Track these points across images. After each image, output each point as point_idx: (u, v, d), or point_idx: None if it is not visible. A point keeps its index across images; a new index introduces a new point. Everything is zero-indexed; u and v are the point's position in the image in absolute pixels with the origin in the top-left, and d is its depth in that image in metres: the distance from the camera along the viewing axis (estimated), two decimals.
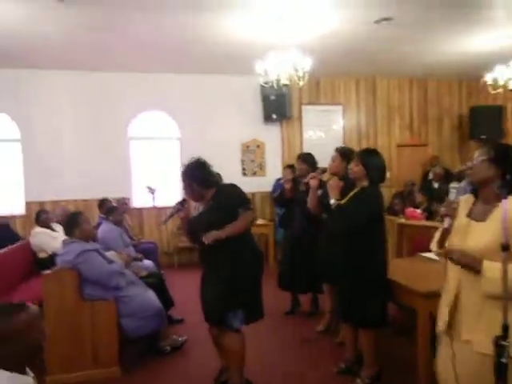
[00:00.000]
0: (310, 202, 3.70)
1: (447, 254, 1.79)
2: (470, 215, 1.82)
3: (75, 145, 6.91)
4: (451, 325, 1.80)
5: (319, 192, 3.65)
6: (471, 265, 1.69)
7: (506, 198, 1.54)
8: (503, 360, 1.39)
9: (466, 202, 1.89)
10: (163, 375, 3.22)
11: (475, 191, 1.86)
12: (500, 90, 6.04)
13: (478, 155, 1.81)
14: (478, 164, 1.78)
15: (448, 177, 7.34)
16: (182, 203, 2.85)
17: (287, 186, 4.18)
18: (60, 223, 5.27)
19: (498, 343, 1.42)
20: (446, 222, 1.83)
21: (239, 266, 2.67)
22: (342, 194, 2.92)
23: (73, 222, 3.26)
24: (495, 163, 1.74)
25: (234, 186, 2.82)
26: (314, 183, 3.64)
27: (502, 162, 1.73)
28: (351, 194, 2.89)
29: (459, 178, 5.29)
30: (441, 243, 1.89)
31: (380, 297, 2.81)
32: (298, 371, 3.21)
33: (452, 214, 1.82)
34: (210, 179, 2.79)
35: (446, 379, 1.86)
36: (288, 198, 4.20)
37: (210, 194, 2.77)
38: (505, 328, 1.42)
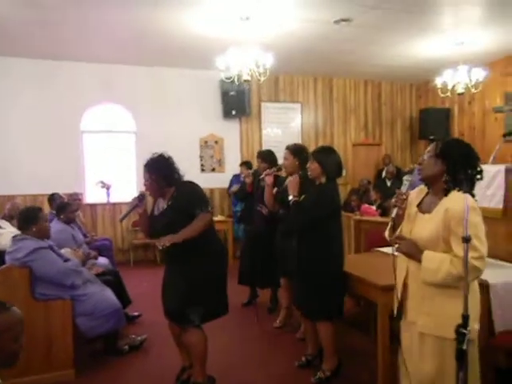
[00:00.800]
0: (266, 198, 3.76)
1: (395, 242, 1.91)
2: (419, 206, 1.94)
3: (24, 137, 6.53)
4: (401, 309, 1.94)
5: (275, 189, 3.71)
6: (414, 254, 1.83)
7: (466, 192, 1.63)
8: (463, 347, 1.46)
9: (419, 192, 2.00)
10: (122, 376, 3.12)
11: (426, 184, 1.97)
12: (448, 94, 6.37)
13: (426, 152, 1.93)
14: (427, 160, 1.88)
15: (400, 175, 7.67)
16: (140, 198, 2.76)
17: (248, 180, 4.23)
18: (6, 219, 4.96)
19: (458, 331, 1.49)
20: (394, 212, 1.94)
21: (201, 262, 2.65)
22: (300, 191, 2.98)
23: (31, 217, 3.07)
24: (441, 158, 1.83)
25: (194, 186, 2.76)
26: (268, 180, 3.70)
27: (447, 157, 1.82)
28: (311, 191, 2.95)
29: (411, 172, 5.55)
30: (391, 231, 2.00)
31: (337, 289, 2.88)
32: (260, 366, 3.22)
33: (400, 205, 1.91)
34: (175, 176, 2.72)
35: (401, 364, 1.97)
36: (248, 192, 4.25)
37: (172, 191, 2.71)
38: (465, 317, 1.50)
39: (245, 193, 4.34)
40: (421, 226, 1.85)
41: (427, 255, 1.77)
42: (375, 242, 3.94)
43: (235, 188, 4.52)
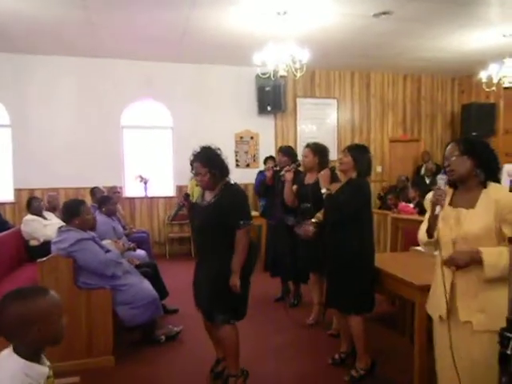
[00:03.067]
0: (285, 193, 3.79)
1: (446, 264, 1.84)
2: (453, 204, 1.91)
3: (67, 132, 6.80)
4: (449, 312, 1.87)
5: (295, 186, 3.73)
6: (472, 259, 1.76)
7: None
8: (508, 352, 1.41)
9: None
10: (158, 365, 3.21)
11: (451, 183, 1.94)
12: (494, 88, 6.10)
13: (449, 154, 1.90)
14: (455, 161, 1.87)
15: (439, 172, 7.43)
16: (185, 197, 2.83)
17: (268, 173, 4.32)
18: (50, 211, 5.20)
19: (502, 334, 1.44)
20: (437, 210, 1.88)
21: (230, 261, 2.61)
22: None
23: (74, 210, 3.20)
24: (467, 155, 1.85)
25: (240, 192, 2.74)
26: (288, 176, 3.74)
27: (472, 153, 1.85)
28: (341, 185, 2.99)
29: None
30: (429, 232, 1.95)
31: (368, 283, 2.88)
32: (292, 361, 3.23)
33: (441, 202, 1.86)
34: (227, 169, 2.70)
35: (444, 366, 1.90)
36: (268, 185, 4.32)
37: (219, 187, 2.66)
38: (509, 321, 1.44)
39: (265, 186, 4.40)
40: (469, 221, 1.82)
41: (486, 251, 1.74)
42: (413, 240, 3.85)
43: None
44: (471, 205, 1.84)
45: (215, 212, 2.62)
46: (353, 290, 2.84)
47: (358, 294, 2.85)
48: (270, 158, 6.15)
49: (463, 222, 1.83)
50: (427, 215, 1.97)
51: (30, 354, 1.37)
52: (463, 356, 1.80)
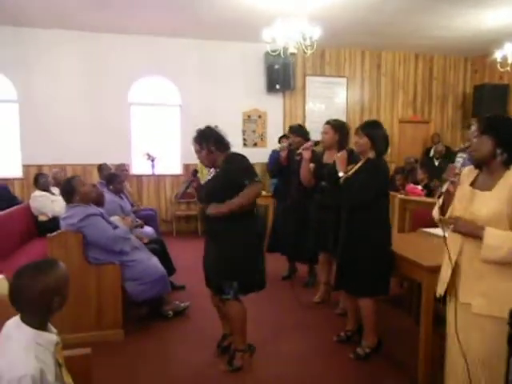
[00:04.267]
0: (302, 173, 3.72)
1: (449, 223, 1.83)
2: (473, 185, 1.86)
3: (74, 108, 6.76)
4: (449, 289, 1.88)
5: (311, 165, 3.67)
6: (473, 232, 1.75)
7: None
8: None
9: (470, 172, 1.92)
10: (166, 339, 3.28)
11: (476, 164, 1.88)
12: (508, 68, 5.96)
13: (471, 134, 1.84)
14: (476, 141, 1.79)
15: (449, 154, 7.35)
16: (193, 173, 2.87)
17: (283, 153, 4.19)
18: (56, 186, 5.22)
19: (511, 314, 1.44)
20: (444, 186, 1.86)
21: (239, 236, 2.67)
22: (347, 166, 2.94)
23: (69, 189, 3.21)
24: (487, 134, 1.74)
25: (242, 157, 2.76)
26: (306, 155, 3.65)
27: (492, 132, 1.74)
28: (358, 165, 2.89)
29: (465, 150, 5.31)
30: (442, 209, 1.92)
31: (385, 267, 2.83)
32: (299, 339, 3.28)
33: (453, 179, 1.83)
34: (225, 143, 2.77)
35: (449, 346, 1.92)
36: (283, 166, 4.22)
37: (221, 159, 2.74)
38: None
39: (280, 166, 4.29)
40: (480, 204, 1.77)
41: (489, 231, 1.69)
42: (421, 222, 3.84)
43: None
44: (489, 187, 1.79)
45: (219, 181, 2.69)
46: (368, 273, 2.79)
47: (373, 278, 2.80)
48: (285, 136, 6.02)
49: (475, 204, 1.79)
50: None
51: (39, 324, 1.40)
52: (462, 337, 1.80)
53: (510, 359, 1.45)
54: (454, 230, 1.81)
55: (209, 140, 2.72)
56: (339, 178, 2.88)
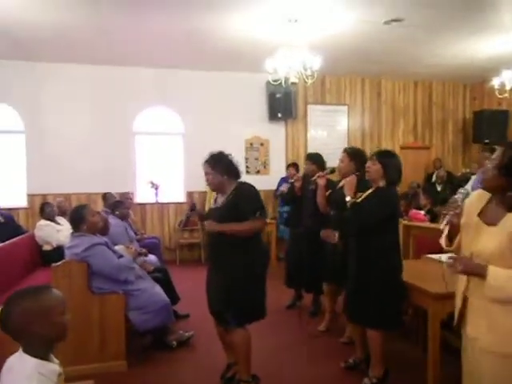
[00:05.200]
0: (319, 200, 3.76)
1: (453, 260, 1.79)
2: (481, 215, 1.80)
3: (79, 138, 6.88)
4: (461, 323, 1.84)
5: (328, 191, 3.69)
6: (476, 272, 1.70)
7: None
8: None
9: (478, 198, 1.84)
10: (170, 370, 3.22)
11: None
12: (506, 95, 6.06)
13: (491, 159, 1.75)
14: (491, 171, 1.72)
15: (451, 180, 7.38)
16: (191, 208, 2.88)
17: (297, 184, 4.19)
18: (62, 216, 5.26)
19: None
20: (445, 220, 1.86)
21: (242, 264, 2.65)
22: (355, 192, 2.93)
23: (78, 218, 3.24)
24: (506, 173, 1.67)
25: (253, 190, 2.75)
26: (321, 182, 3.69)
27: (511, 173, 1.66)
28: (367, 192, 2.88)
29: (466, 180, 5.32)
30: (447, 240, 1.91)
31: (396, 299, 2.79)
32: (305, 368, 3.22)
33: (453, 213, 1.84)
34: (236, 171, 2.76)
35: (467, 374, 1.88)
36: (296, 195, 4.22)
37: (231, 187, 2.73)
38: None
39: (293, 196, 4.30)
40: (486, 239, 1.72)
41: (492, 271, 1.64)
42: (425, 248, 3.83)
43: (285, 187, 4.46)
44: (494, 222, 1.72)
45: (227, 211, 2.66)
46: (377, 303, 2.73)
47: (383, 309, 2.73)
48: (293, 164, 6.01)
49: (481, 239, 1.74)
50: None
51: (40, 353, 1.40)
52: (474, 370, 1.77)
53: None
54: (455, 272, 1.76)
55: (221, 165, 2.71)
56: (346, 202, 2.88)
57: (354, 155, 3.45)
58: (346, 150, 3.54)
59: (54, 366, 1.44)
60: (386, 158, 2.83)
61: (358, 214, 2.78)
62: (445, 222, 1.86)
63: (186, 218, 3.00)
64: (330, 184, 3.76)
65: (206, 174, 2.76)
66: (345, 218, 2.94)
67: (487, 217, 1.77)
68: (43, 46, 5.91)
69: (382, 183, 2.80)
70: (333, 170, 3.78)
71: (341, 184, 3.54)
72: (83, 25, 5.13)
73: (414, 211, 5.75)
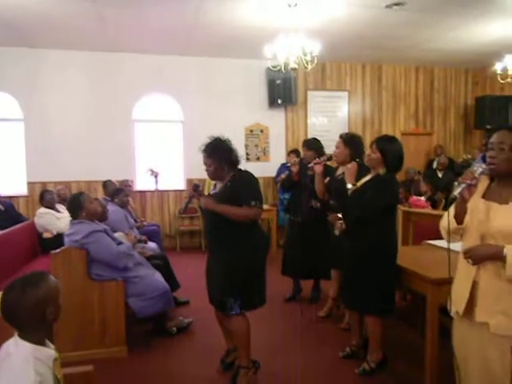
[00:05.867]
0: (317, 187, 3.73)
1: (464, 256, 1.76)
2: (485, 197, 1.78)
3: (79, 126, 6.85)
4: (468, 307, 1.80)
5: (326, 179, 3.66)
6: (493, 256, 1.66)
7: None
8: None
9: (479, 183, 1.81)
10: (169, 355, 3.25)
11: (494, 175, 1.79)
12: (509, 80, 5.99)
13: (497, 142, 1.71)
14: (499, 155, 1.69)
15: (452, 166, 7.35)
16: (195, 188, 2.82)
17: (294, 168, 4.15)
18: (62, 203, 5.26)
19: None
20: (458, 189, 1.73)
21: (242, 252, 2.65)
22: (356, 179, 2.91)
23: (76, 205, 3.23)
24: None
25: (251, 178, 2.71)
26: (318, 169, 3.65)
27: None
28: (366, 179, 2.86)
29: (467, 167, 5.30)
30: (457, 218, 1.81)
31: (390, 285, 2.81)
32: (304, 355, 3.23)
33: (470, 182, 1.72)
34: (234, 158, 2.71)
35: (463, 365, 1.87)
36: (295, 181, 4.19)
37: (230, 175, 2.69)
38: None
39: (291, 182, 4.25)
40: (501, 217, 1.69)
41: (510, 250, 1.61)
42: (425, 234, 3.82)
43: (285, 174, 4.41)
44: (505, 200, 1.71)
45: (224, 198, 2.63)
46: (374, 291, 2.75)
47: (379, 296, 2.76)
48: (294, 151, 5.96)
49: (493, 218, 1.71)
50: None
51: (36, 339, 1.41)
52: (477, 357, 1.75)
53: None
54: (474, 263, 1.72)
55: (218, 153, 2.64)
56: (347, 189, 2.86)
57: (350, 141, 3.42)
58: (341, 136, 3.49)
59: (49, 351, 1.45)
60: (386, 144, 2.78)
61: (359, 201, 2.75)
62: (456, 192, 1.73)
63: (187, 200, 2.95)
64: (329, 170, 3.73)
65: (204, 163, 2.71)
66: (346, 206, 2.93)
67: (495, 197, 1.75)
68: (41, 32, 5.84)
69: (381, 171, 2.77)
70: (330, 157, 3.73)
71: (339, 172, 3.53)
72: (81, 11, 5.06)
73: (414, 198, 5.73)
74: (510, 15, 5.34)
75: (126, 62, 6.94)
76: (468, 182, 1.72)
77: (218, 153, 2.66)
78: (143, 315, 3.29)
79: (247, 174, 2.73)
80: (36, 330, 1.42)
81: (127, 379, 2.92)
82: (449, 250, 1.80)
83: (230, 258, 2.64)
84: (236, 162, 2.72)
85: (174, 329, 3.56)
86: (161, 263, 3.97)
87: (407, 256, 3.08)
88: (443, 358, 2.43)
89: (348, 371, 2.94)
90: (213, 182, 2.98)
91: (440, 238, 2.22)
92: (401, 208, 5.45)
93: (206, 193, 3.08)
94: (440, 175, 7.04)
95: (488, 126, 7.50)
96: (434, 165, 7.49)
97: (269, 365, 3.01)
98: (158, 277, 3.47)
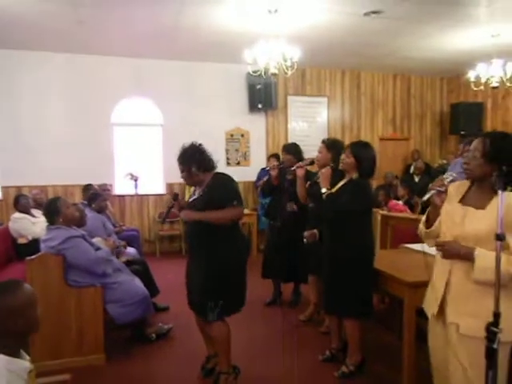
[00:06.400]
0: (298, 191, 3.75)
1: (438, 248, 1.83)
2: (464, 201, 1.84)
3: (56, 129, 6.71)
4: (441, 309, 1.85)
5: (308, 183, 3.69)
6: (463, 255, 1.73)
7: (502, 190, 1.54)
8: (494, 346, 1.44)
9: (458, 187, 1.89)
10: (149, 363, 3.21)
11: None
12: (482, 88, 6.18)
13: (472, 150, 1.78)
14: (475, 161, 1.76)
15: (428, 171, 7.52)
16: (174, 198, 2.84)
17: (273, 172, 4.17)
18: (38, 208, 5.14)
19: (489, 329, 1.47)
20: (428, 195, 1.85)
21: (222, 256, 2.65)
22: (331, 183, 2.96)
23: (53, 210, 3.17)
24: (489, 160, 1.71)
25: (229, 179, 2.74)
26: (300, 173, 3.68)
27: (499, 159, 1.69)
28: (340, 183, 2.92)
29: (443, 172, 5.42)
30: (428, 223, 1.92)
31: (368, 288, 2.86)
32: (284, 359, 3.24)
33: (439, 189, 1.83)
34: (208, 163, 2.73)
35: (437, 365, 1.92)
36: (274, 185, 4.20)
37: (207, 179, 2.72)
38: (496, 315, 1.47)
39: (271, 186, 4.26)
40: (475, 222, 1.75)
41: (480, 253, 1.67)
42: (403, 238, 3.89)
43: (261, 182, 4.45)
44: (482, 205, 1.77)
45: (203, 203, 2.65)
46: (352, 295, 2.79)
47: (356, 300, 2.80)
48: (274, 155, 6.01)
49: (468, 222, 1.77)
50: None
51: (9, 350, 1.37)
52: (451, 357, 1.80)
53: (489, 372, 1.47)
54: (444, 257, 1.79)
55: (192, 161, 2.68)
56: (322, 193, 2.91)
57: (332, 146, 3.49)
58: (324, 141, 3.58)
59: (23, 363, 1.41)
60: (360, 150, 2.85)
61: (333, 204, 2.81)
62: (426, 197, 1.84)
63: (167, 210, 2.94)
64: (310, 175, 3.77)
65: (181, 170, 2.74)
66: (320, 208, 2.98)
67: (472, 202, 1.81)
68: (17, 33, 5.71)
69: (355, 175, 2.84)
70: (312, 162, 3.77)
71: (317, 176, 3.57)
72: (59, 13, 4.98)
73: (393, 202, 5.83)
74: (478, 26, 5.52)
75: (104, 65, 6.85)
76: (437, 188, 1.83)
77: (190, 160, 2.68)
78: (122, 322, 3.25)
79: (224, 177, 2.75)
80: (9, 341, 1.37)
81: None
82: (424, 253, 1.86)
83: (211, 262, 2.64)
84: (210, 166, 2.74)
85: (154, 335, 3.52)
86: (140, 269, 3.92)
87: (385, 259, 3.13)
88: (420, 360, 2.48)
89: (328, 374, 2.97)
90: (192, 187, 2.98)
91: (418, 241, 2.28)
92: (379, 212, 5.54)
93: (186, 197, 3.06)
94: (417, 180, 7.20)
95: (462, 132, 7.71)
96: (411, 169, 7.65)
97: (249, 370, 3.00)
98: (138, 282, 3.43)
